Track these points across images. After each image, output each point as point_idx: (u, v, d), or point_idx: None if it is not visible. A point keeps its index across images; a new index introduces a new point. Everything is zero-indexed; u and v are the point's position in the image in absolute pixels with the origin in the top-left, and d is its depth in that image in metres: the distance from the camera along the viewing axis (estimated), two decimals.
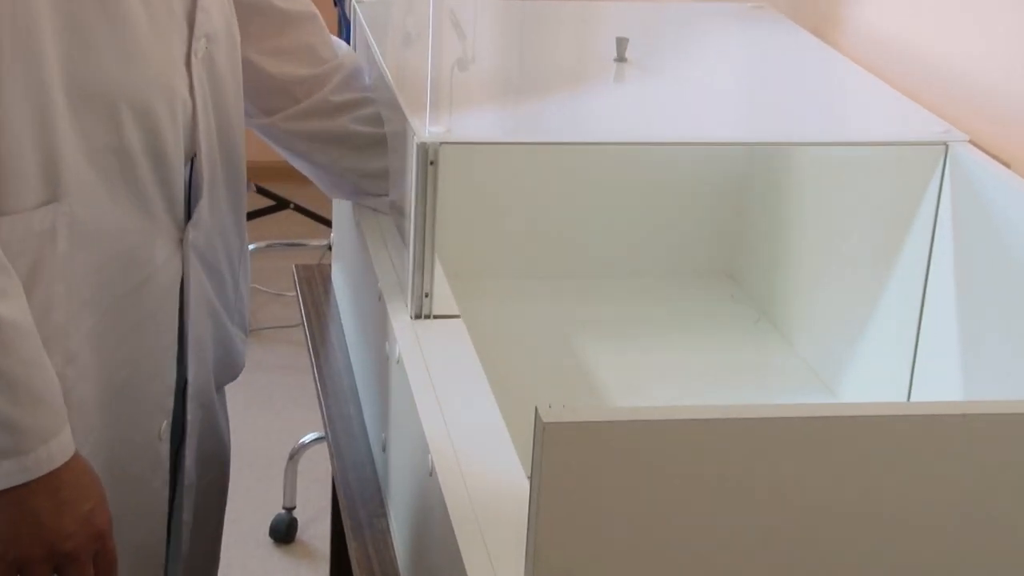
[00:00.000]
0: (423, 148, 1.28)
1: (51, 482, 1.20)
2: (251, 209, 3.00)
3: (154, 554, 1.43)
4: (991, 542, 0.87)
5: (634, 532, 0.83)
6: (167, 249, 1.34)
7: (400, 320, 1.32)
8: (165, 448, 1.41)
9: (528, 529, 0.83)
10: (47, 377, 1.20)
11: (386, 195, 1.52)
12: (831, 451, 0.83)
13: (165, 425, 1.39)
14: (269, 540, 2.77)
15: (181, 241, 1.36)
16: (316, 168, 1.57)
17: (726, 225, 1.77)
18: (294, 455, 2.81)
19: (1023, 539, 0.87)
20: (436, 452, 1.10)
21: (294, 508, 2.79)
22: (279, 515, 2.78)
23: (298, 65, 1.50)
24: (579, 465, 0.81)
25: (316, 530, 2.78)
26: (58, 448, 1.20)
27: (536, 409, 0.81)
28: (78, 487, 1.22)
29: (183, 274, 1.37)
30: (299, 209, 3.56)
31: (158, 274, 1.34)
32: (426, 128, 1.30)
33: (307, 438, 2.82)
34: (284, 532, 2.77)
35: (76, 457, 1.22)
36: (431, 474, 1.09)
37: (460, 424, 1.15)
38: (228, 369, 1.53)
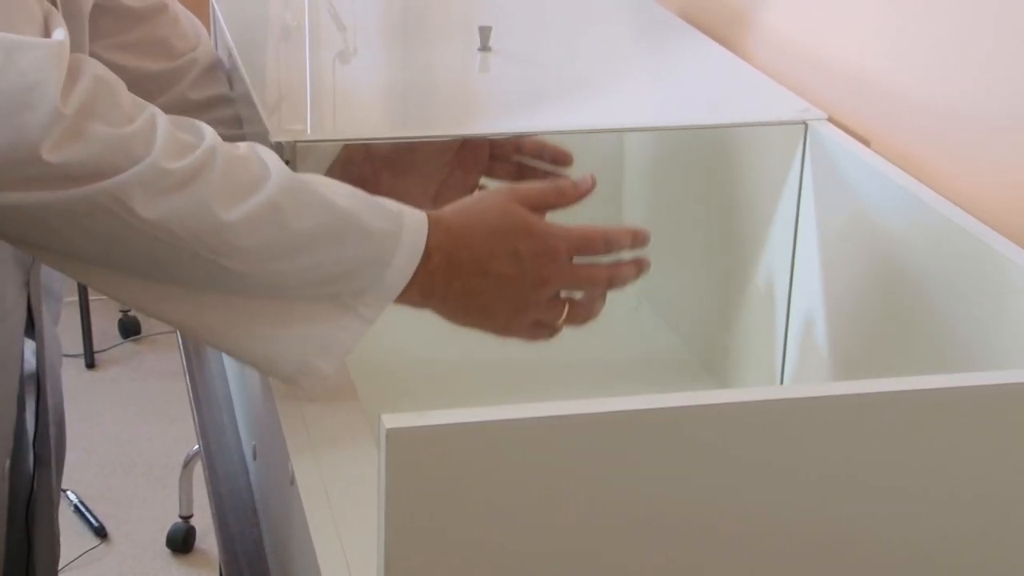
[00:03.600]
0: (278, 148, 1.25)
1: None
2: None
3: None
4: (854, 521, 0.86)
5: (486, 538, 0.81)
6: (13, 293, 1.28)
7: None
8: (5, 487, 1.36)
9: (377, 539, 0.81)
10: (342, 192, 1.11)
11: None
12: (692, 442, 0.81)
13: (8, 464, 1.35)
14: (167, 550, 2.73)
15: (27, 283, 1.29)
16: None
17: (601, 212, 1.75)
18: (188, 462, 2.76)
19: (890, 516, 0.86)
20: (296, 460, 1.08)
21: (191, 516, 2.75)
22: (176, 524, 2.74)
23: (150, 59, 1.43)
24: (426, 471, 0.79)
25: (215, 539, 2.74)
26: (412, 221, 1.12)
27: (379, 416, 0.79)
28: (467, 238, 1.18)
29: (28, 309, 1.31)
30: None
31: (5, 320, 1.27)
32: (281, 127, 1.27)
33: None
34: (181, 541, 2.73)
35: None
36: (292, 482, 1.07)
37: (323, 431, 1.12)
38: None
